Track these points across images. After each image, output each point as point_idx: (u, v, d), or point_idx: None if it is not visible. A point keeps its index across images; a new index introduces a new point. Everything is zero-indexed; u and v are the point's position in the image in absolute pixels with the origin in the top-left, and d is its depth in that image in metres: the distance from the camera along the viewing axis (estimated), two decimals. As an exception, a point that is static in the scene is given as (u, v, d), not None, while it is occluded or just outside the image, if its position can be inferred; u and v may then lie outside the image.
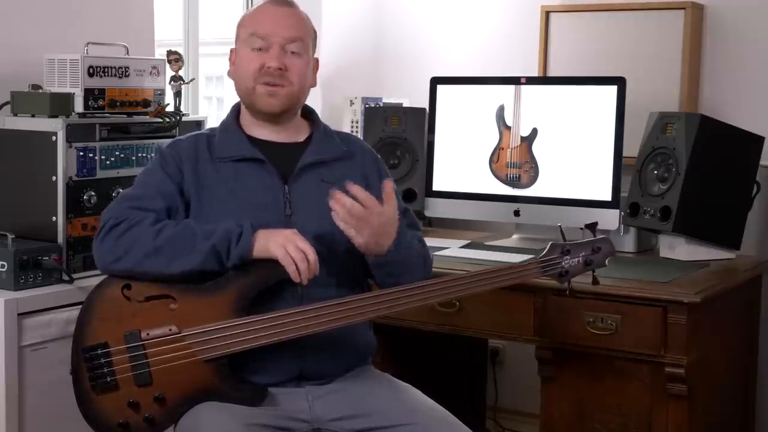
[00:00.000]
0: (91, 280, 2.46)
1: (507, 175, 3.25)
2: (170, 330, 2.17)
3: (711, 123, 2.98)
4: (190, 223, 2.22)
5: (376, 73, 3.97)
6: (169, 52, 2.93)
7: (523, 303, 2.76)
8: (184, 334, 2.16)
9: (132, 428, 2.17)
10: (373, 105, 3.59)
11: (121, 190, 2.66)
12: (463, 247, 3.17)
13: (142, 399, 2.16)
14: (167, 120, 2.84)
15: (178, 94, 2.92)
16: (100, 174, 2.69)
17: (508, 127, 3.24)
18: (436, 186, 3.36)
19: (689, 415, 2.62)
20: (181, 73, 2.93)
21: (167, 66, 2.90)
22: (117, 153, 2.73)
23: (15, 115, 2.68)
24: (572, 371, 2.75)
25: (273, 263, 2.15)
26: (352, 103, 3.69)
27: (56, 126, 2.58)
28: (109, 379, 2.17)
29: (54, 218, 2.60)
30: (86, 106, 2.68)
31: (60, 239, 2.60)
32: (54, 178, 2.59)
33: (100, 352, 2.18)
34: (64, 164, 2.59)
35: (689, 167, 2.91)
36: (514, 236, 3.38)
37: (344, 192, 2.16)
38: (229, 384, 2.17)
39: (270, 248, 2.14)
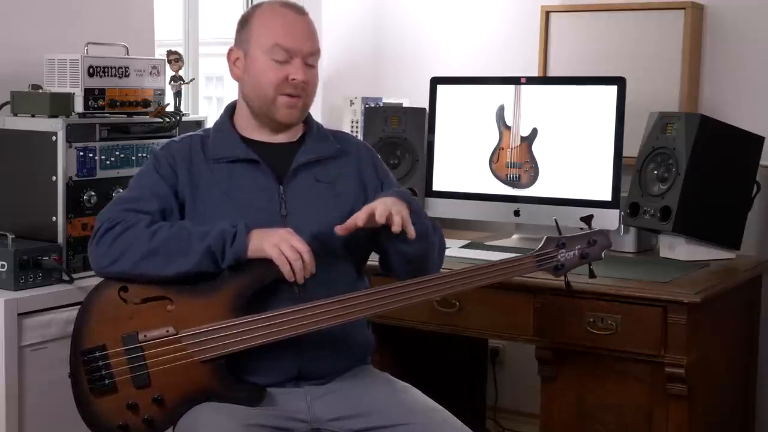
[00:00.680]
0: (91, 280, 2.46)
1: (507, 175, 3.25)
2: (167, 331, 2.17)
3: (711, 123, 2.98)
4: (185, 224, 2.21)
5: (376, 73, 3.97)
6: (169, 52, 2.93)
7: (523, 303, 2.77)
8: (182, 335, 2.16)
9: (131, 430, 2.17)
10: (373, 105, 3.59)
11: (121, 191, 2.66)
12: (463, 247, 3.17)
13: (141, 401, 2.16)
14: (167, 120, 2.84)
15: (178, 94, 2.92)
16: (100, 174, 2.69)
17: (508, 127, 3.24)
18: (436, 186, 3.36)
19: (689, 415, 2.62)
20: (181, 73, 2.93)
21: (167, 66, 2.90)
22: (117, 153, 2.73)
23: (15, 115, 2.68)
24: (572, 371, 2.75)
25: (268, 263, 2.14)
26: (352, 103, 3.69)
27: (56, 126, 2.58)
28: (107, 381, 2.17)
29: (54, 218, 2.60)
30: (86, 106, 2.68)
31: (60, 239, 2.60)
32: (54, 178, 2.59)
33: (98, 354, 2.18)
34: (64, 164, 2.59)
35: (689, 167, 2.91)
36: (514, 236, 3.38)
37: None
38: (227, 384, 2.17)
39: (264, 248, 2.14)
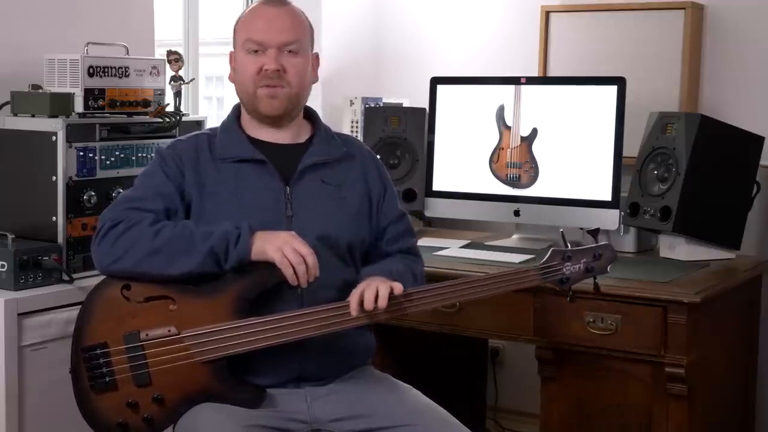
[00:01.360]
0: (91, 280, 2.46)
1: (507, 175, 3.25)
2: (169, 331, 2.17)
3: (711, 123, 2.98)
4: (189, 224, 2.21)
5: (376, 73, 3.97)
6: (169, 52, 2.93)
7: (523, 303, 2.76)
8: (183, 335, 2.16)
9: (131, 428, 2.17)
10: (373, 105, 3.59)
11: (121, 191, 2.66)
12: (463, 247, 3.17)
13: (141, 399, 2.16)
14: (167, 120, 2.84)
15: (178, 94, 2.92)
16: (100, 174, 2.68)
17: (508, 127, 3.24)
18: (436, 186, 3.36)
19: (689, 415, 2.62)
20: (181, 73, 2.93)
21: (167, 66, 2.90)
22: (117, 153, 2.73)
23: (15, 115, 2.67)
24: (572, 371, 2.75)
25: (271, 266, 2.14)
26: (352, 103, 3.69)
27: (56, 126, 2.58)
28: (108, 379, 2.17)
29: (54, 218, 2.60)
30: (86, 106, 2.68)
31: (60, 239, 2.60)
32: (54, 178, 2.59)
33: (99, 352, 2.18)
34: (64, 164, 2.59)
35: (689, 167, 2.91)
36: (514, 236, 3.38)
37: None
38: (227, 386, 2.17)
39: (267, 251, 2.14)
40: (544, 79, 3.44)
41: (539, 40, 3.54)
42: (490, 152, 3.27)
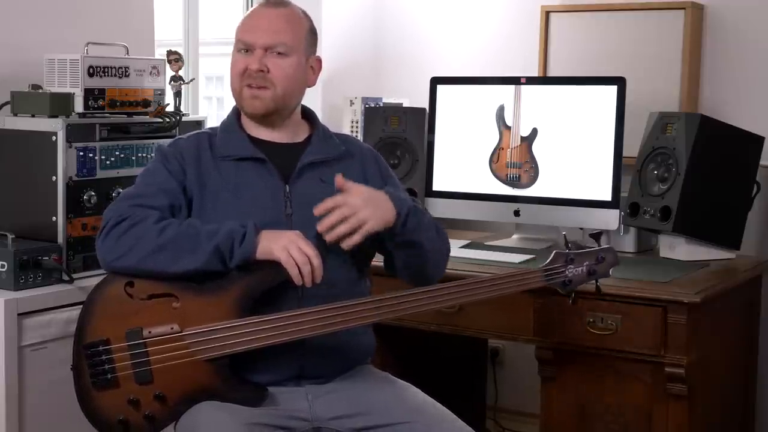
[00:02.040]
0: (91, 280, 2.46)
1: (507, 175, 3.25)
2: (172, 329, 2.17)
3: (711, 123, 2.98)
4: (194, 222, 2.22)
5: (376, 73, 3.97)
6: (169, 52, 2.93)
7: (523, 303, 2.76)
8: (186, 333, 2.16)
9: (132, 425, 2.17)
10: (373, 105, 3.59)
11: (121, 190, 2.66)
12: (463, 247, 3.17)
13: (143, 397, 2.16)
14: (167, 120, 2.84)
15: (178, 94, 2.92)
16: (100, 174, 2.68)
17: (508, 127, 3.24)
18: (436, 186, 3.36)
19: (689, 415, 2.62)
20: (181, 73, 2.93)
21: (167, 66, 2.90)
22: (117, 153, 2.73)
23: (15, 115, 2.67)
24: (572, 371, 2.75)
25: (276, 265, 2.15)
26: (352, 103, 3.69)
27: (56, 126, 2.58)
28: (109, 375, 2.17)
29: (54, 218, 2.60)
30: (86, 106, 2.68)
31: (60, 239, 2.60)
32: (54, 178, 2.59)
33: (101, 348, 2.18)
34: (64, 164, 2.59)
35: (689, 167, 2.91)
36: (514, 236, 3.38)
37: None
38: (229, 384, 2.17)
39: (273, 251, 2.14)
40: (544, 79, 3.44)
41: (539, 40, 3.54)
42: (490, 152, 3.27)
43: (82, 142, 2.64)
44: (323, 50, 3.56)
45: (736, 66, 3.31)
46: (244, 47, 2.30)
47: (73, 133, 2.61)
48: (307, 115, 2.44)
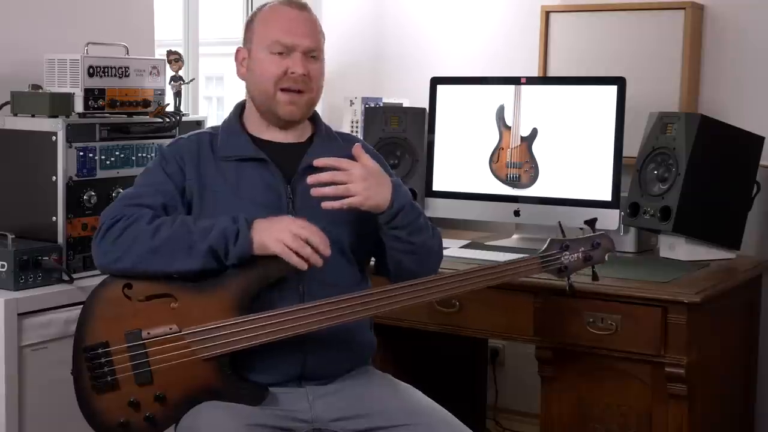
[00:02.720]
0: (91, 280, 2.46)
1: (507, 175, 3.25)
2: (171, 329, 2.17)
3: (711, 123, 2.98)
4: (187, 220, 2.21)
5: (376, 73, 3.97)
6: (169, 52, 2.93)
7: (523, 303, 2.76)
8: (185, 332, 2.16)
9: (132, 427, 2.17)
10: (373, 105, 3.59)
11: (121, 190, 2.66)
12: (463, 247, 3.17)
13: (143, 398, 2.16)
14: (167, 120, 2.84)
15: (178, 94, 2.92)
16: (100, 174, 2.69)
17: (508, 127, 3.24)
18: (436, 186, 3.36)
19: (689, 415, 2.62)
20: (181, 73, 2.93)
21: (167, 66, 2.90)
22: (117, 153, 2.73)
23: (15, 115, 2.68)
24: (572, 371, 2.75)
25: (275, 260, 2.15)
26: (352, 103, 3.69)
27: (56, 126, 2.58)
28: (109, 378, 2.17)
29: (54, 218, 2.60)
30: (86, 106, 2.68)
31: (60, 239, 2.60)
32: (54, 178, 2.59)
33: (100, 351, 2.18)
34: (64, 164, 2.59)
35: (689, 167, 2.91)
36: (514, 236, 3.38)
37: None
38: (230, 383, 2.17)
39: (268, 245, 2.13)
40: (544, 79, 3.44)
41: (539, 40, 3.54)
42: (490, 152, 3.27)
43: (82, 142, 2.64)
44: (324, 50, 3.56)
45: (736, 66, 3.31)
46: (282, 49, 2.29)
47: (73, 133, 2.61)
48: (310, 115, 2.44)
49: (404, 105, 3.64)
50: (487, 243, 3.28)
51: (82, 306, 2.25)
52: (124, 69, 2.78)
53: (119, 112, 2.77)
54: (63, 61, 2.69)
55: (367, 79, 3.94)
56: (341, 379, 2.29)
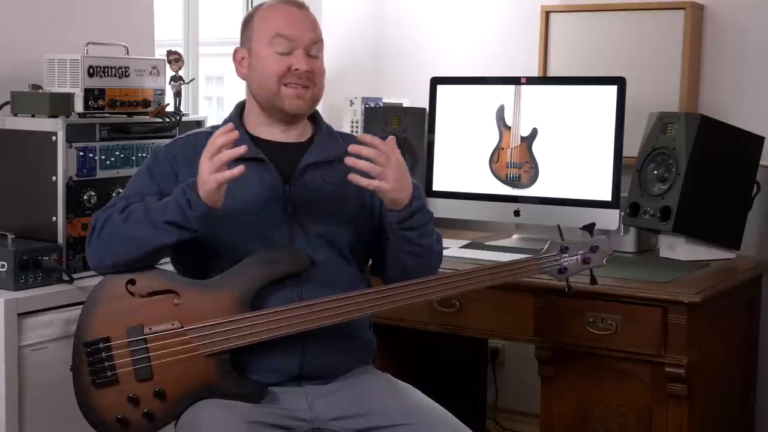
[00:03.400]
0: (91, 280, 2.46)
1: (507, 175, 3.25)
2: (173, 325, 2.17)
3: (711, 123, 2.98)
4: (148, 203, 2.20)
5: (376, 73, 3.97)
6: (169, 52, 2.93)
7: (523, 303, 2.77)
8: (187, 329, 2.17)
9: (131, 424, 2.18)
10: (373, 105, 3.59)
11: (121, 191, 2.66)
12: (463, 247, 3.17)
13: (142, 394, 2.17)
14: (167, 120, 2.83)
15: (178, 94, 2.91)
16: (100, 174, 2.68)
17: (508, 127, 3.24)
18: (436, 186, 3.36)
19: (689, 415, 2.62)
20: (181, 73, 2.92)
21: (167, 66, 2.90)
22: (117, 153, 2.73)
23: (15, 115, 2.67)
24: (572, 371, 2.75)
25: (275, 259, 2.17)
26: (352, 103, 3.69)
27: (56, 126, 2.58)
28: (109, 373, 2.18)
29: (54, 218, 2.60)
30: (86, 106, 2.67)
31: (60, 239, 2.60)
32: (54, 178, 2.59)
33: (101, 346, 2.19)
34: (64, 164, 2.59)
35: (689, 167, 2.91)
36: (514, 236, 3.38)
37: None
38: (230, 380, 2.17)
39: (210, 190, 2.11)
40: (544, 79, 3.45)
41: (539, 40, 3.54)
42: (490, 152, 3.27)
43: (82, 142, 2.63)
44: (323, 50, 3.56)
45: (736, 66, 3.31)
46: (285, 44, 2.29)
47: (73, 133, 2.61)
48: (311, 114, 2.44)
49: (404, 105, 3.64)
50: (487, 243, 3.28)
51: (83, 304, 2.26)
52: (124, 69, 2.77)
53: (119, 112, 2.77)
54: (63, 61, 2.68)
55: (367, 79, 3.94)
56: (341, 379, 2.29)
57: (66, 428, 2.43)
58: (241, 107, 2.41)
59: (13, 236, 2.55)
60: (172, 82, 2.91)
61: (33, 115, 2.64)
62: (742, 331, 3.08)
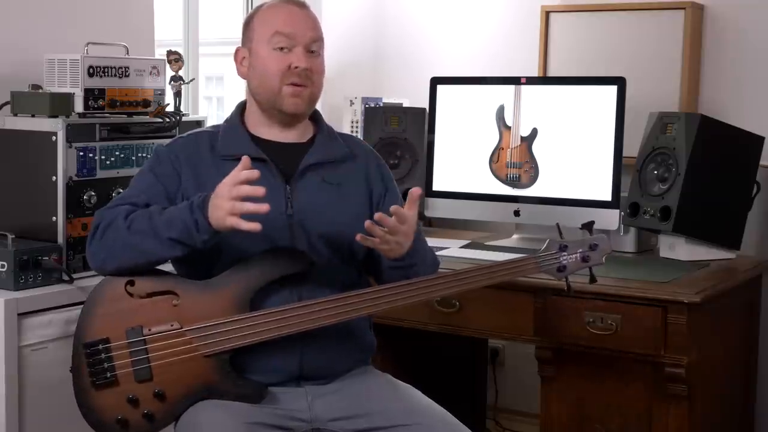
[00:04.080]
0: (91, 280, 2.46)
1: (507, 175, 3.25)
2: (172, 326, 2.18)
3: (711, 123, 2.98)
4: (153, 213, 2.19)
5: (376, 73, 3.97)
6: (169, 52, 2.93)
7: (523, 303, 2.77)
8: (186, 329, 2.17)
9: (130, 425, 2.17)
10: (373, 105, 3.59)
11: (121, 190, 2.66)
12: (463, 247, 3.17)
13: (142, 395, 2.17)
14: (167, 120, 2.84)
15: (178, 94, 2.91)
16: (100, 174, 2.68)
17: (508, 127, 3.24)
18: (436, 186, 3.36)
19: (689, 415, 2.62)
20: (181, 73, 2.93)
21: (167, 66, 2.90)
22: (117, 153, 2.73)
23: (15, 115, 2.67)
24: (572, 371, 2.75)
25: (275, 259, 2.18)
26: (352, 103, 3.69)
27: (56, 126, 2.58)
28: (108, 374, 2.18)
29: (54, 218, 2.60)
30: (86, 106, 2.67)
31: (60, 239, 2.60)
32: (54, 178, 2.59)
33: (101, 347, 2.19)
34: (64, 164, 2.59)
35: (689, 167, 2.91)
36: (514, 236, 3.38)
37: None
38: (229, 380, 2.17)
39: (222, 224, 2.10)
40: (544, 79, 3.44)
41: (539, 40, 3.54)
42: (490, 152, 3.27)
43: (82, 142, 2.63)
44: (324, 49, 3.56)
45: (736, 66, 3.31)
46: (284, 42, 2.29)
47: (73, 133, 2.61)
48: (313, 115, 2.44)
49: (404, 105, 3.64)
50: (487, 243, 3.28)
51: (83, 304, 2.26)
52: (124, 69, 2.77)
53: (119, 112, 2.77)
54: (63, 61, 2.68)
55: (367, 79, 3.94)
56: (340, 379, 2.29)
57: (66, 428, 2.43)
58: (242, 107, 2.41)
59: (13, 236, 2.55)
60: (172, 82, 2.91)
61: (33, 115, 2.64)
62: (742, 331, 3.08)
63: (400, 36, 3.93)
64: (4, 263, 2.49)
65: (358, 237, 2.18)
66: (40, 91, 2.67)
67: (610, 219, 3.07)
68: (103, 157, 2.69)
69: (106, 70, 2.72)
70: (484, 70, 3.63)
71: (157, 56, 3.14)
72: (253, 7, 3.72)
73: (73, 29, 2.95)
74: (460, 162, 3.32)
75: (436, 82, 3.36)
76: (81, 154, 2.63)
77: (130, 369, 2.17)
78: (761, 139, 3.04)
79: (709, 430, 2.81)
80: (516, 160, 3.23)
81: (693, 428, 2.64)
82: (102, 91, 2.71)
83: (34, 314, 2.47)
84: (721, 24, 3.32)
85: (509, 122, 3.24)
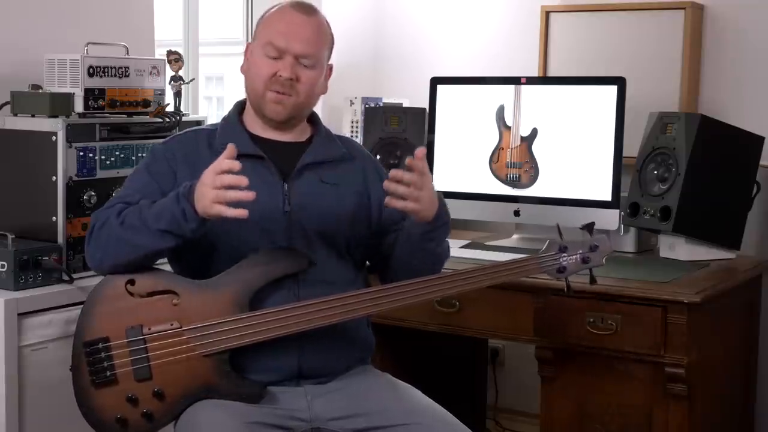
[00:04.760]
0: (91, 280, 2.46)
1: (507, 175, 3.25)
2: (172, 325, 2.18)
3: (711, 123, 2.98)
4: (143, 207, 2.20)
5: (376, 73, 3.97)
6: (169, 52, 2.93)
7: (524, 303, 2.77)
8: (186, 329, 2.17)
9: (130, 424, 2.18)
10: (373, 105, 3.59)
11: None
12: (463, 247, 3.17)
13: (141, 394, 2.17)
14: (167, 120, 2.84)
15: (178, 94, 2.92)
16: (100, 174, 2.68)
17: (508, 127, 3.24)
18: (436, 186, 3.31)
19: (689, 415, 2.62)
20: (181, 73, 2.93)
21: (167, 66, 2.90)
22: (117, 153, 2.73)
23: (15, 115, 2.67)
24: (572, 371, 2.75)
25: (274, 259, 2.18)
26: (352, 103, 3.69)
27: (56, 126, 2.58)
28: (108, 373, 2.18)
29: (54, 218, 2.60)
30: (86, 106, 2.67)
31: (60, 239, 2.60)
32: (54, 178, 2.59)
33: (100, 346, 2.19)
34: (64, 164, 2.59)
35: (689, 167, 2.91)
36: (514, 236, 3.38)
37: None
38: (229, 380, 2.18)
39: (209, 213, 2.09)
40: (544, 79, 3.44)
41: (539, 40, 3.54)
42: (490, 152, 3.27)
43: (82, 142, 2.63)
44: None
45: (736, 66, 3.31)
46: (275, 52, 2.28)
47: (73, 133, 2.61)
48: (310, 116, 2.44)
49: (404, 105, 3.64)
50: (487, 243, 3.28)
51: (83, 304, 2.26)
52: (124, 69, 2.77)
53: (119, 112, 2.77)
54: (63, 61, 2.68)
55: (367, 79, 3.94)
56: (340, 378, 2.29)
57: (66, 428, 2.43)
58: (240, 105, 2.42)
59: (13, 236, 2.55)
60: (172, 82, 2.91)
61: (33, 115, 2.64)
62: (742, 331, 3.08)
63: (400, 36, 3.93)
64: (4, 263, 2.49)
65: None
66: (40, 91, 2.67)
67: (610, 219, 3.07)
68: (103, 157, 2.69)
69: (106, 70, 2.72)
70: (484, 70, 3.63)
71: (157, 56, 3.14)
72: (254, 7, 3.74)
73: (73, 29, 2.95)
74: (460, 162, 3.32)
75: (436, 82, 3.36)
76: (81, 154, 2.63)
77: (130, 368, 2.18)
78: (761, 139, 3.04)
79: (709, 430, 2.81)
80: (516, 160, 3.23)
81: (693, 428, 2.64)
82: (102, 91, 2.71)
83: (34, 314, 2.48)
84: (721, 24, 3.32)
85: (509, 122, 3.24)
